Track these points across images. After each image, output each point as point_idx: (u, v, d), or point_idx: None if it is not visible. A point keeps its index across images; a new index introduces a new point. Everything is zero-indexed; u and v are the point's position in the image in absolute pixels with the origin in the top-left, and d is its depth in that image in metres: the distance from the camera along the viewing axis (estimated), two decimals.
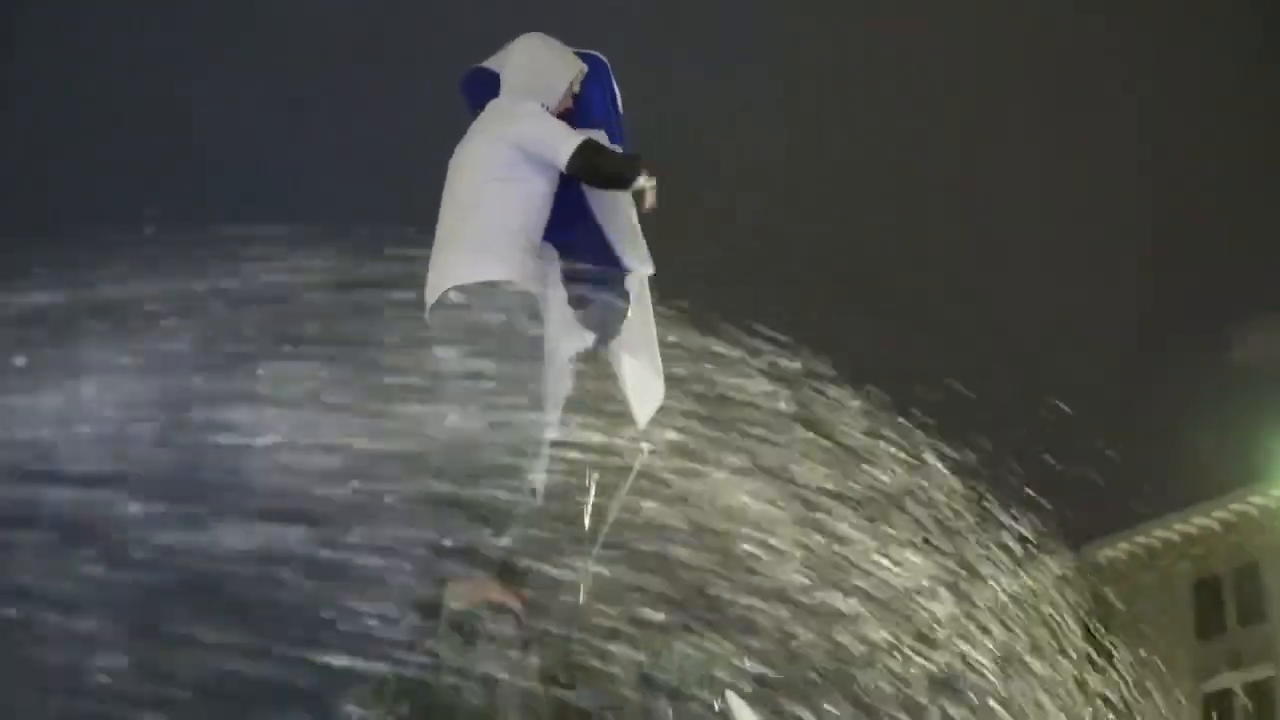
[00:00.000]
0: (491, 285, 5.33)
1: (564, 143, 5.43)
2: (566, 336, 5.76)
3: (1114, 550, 44.13)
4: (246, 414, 5.63)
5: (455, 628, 5.21)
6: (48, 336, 5.80)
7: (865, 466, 6.65)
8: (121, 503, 5.62)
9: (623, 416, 5.84)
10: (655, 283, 6.05)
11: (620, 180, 5.59)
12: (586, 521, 5.73)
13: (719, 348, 6.31)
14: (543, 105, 5.62)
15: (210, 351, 5.86)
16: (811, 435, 6.52)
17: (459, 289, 5.31)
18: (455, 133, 5.96)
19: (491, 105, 5.79)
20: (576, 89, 5.84)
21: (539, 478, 5.37)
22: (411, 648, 5.38)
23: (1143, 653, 35.28)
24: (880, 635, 6.91)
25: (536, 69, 5.76)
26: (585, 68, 5.93)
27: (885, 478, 6.77)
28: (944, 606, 7.17)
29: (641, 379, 5.89)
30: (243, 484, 5.60)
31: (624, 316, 5.81)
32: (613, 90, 6.23)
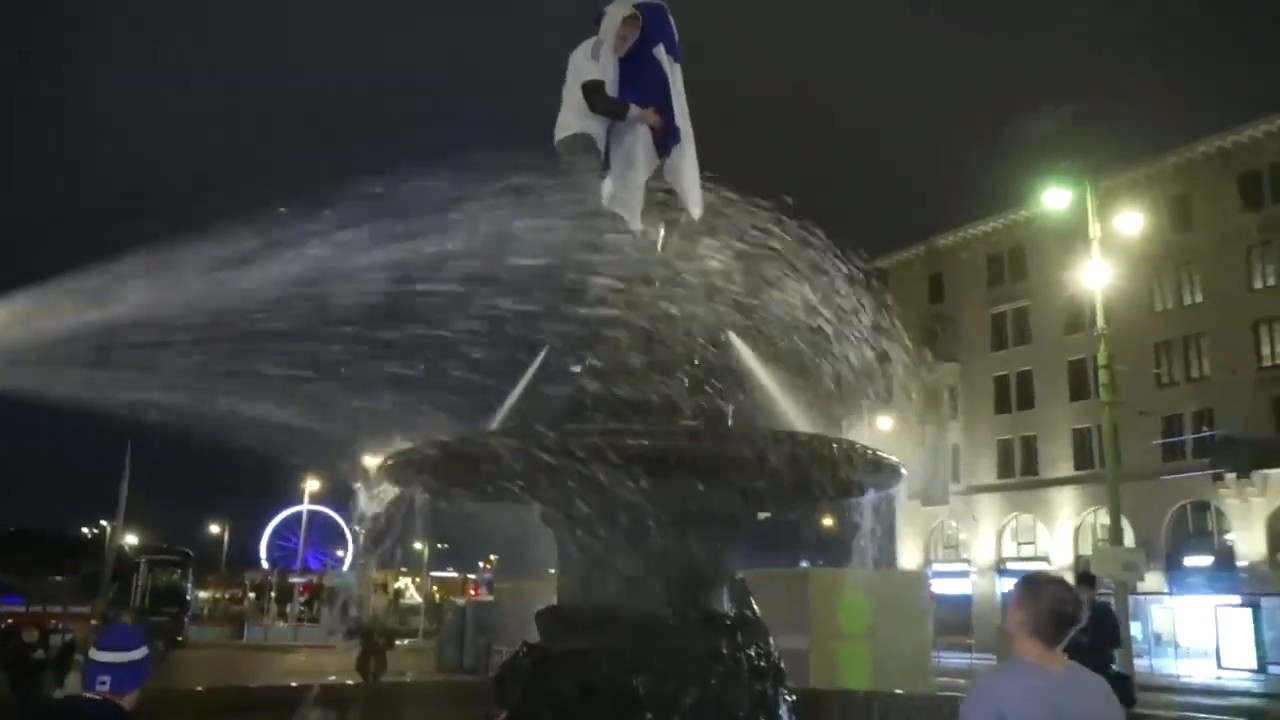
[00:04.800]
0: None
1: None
2: (646, 156, 6.64)
3: (946, 240, 58.57)
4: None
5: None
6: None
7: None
8: None
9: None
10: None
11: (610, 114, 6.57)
12: (661, 243, 7.00)
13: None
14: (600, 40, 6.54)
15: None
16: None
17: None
18: None
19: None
20: (623, 30, 6.59)
21: (637, 224, 6.61)
22: None
23: (961, 290, 52.35)
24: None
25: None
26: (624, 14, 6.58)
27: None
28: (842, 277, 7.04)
29: (693, 191, 6.78)
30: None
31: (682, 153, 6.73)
32: (669, 25, 6.88)
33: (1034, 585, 3.46)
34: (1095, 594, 12.35)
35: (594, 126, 6.67)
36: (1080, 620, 3.39)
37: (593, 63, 6.62)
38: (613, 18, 6.68)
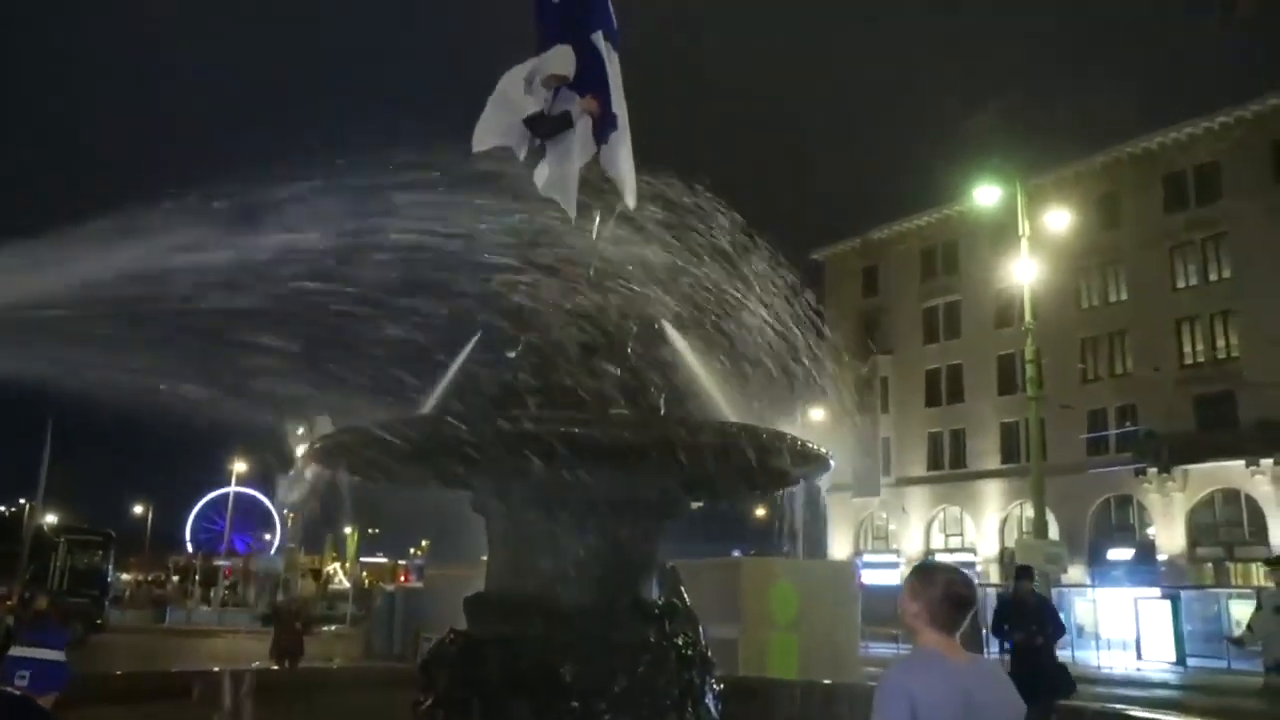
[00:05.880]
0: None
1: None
2: (583, 143, 6.61)
3: (881, 233, 59.20)
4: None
5: None
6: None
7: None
8: None
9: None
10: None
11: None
12: (596, 231, 6.95)
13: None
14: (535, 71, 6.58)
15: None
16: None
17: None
18: None
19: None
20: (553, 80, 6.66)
21: (572, 211, 6.49)
22: None
23: (895, 284, 52.73)
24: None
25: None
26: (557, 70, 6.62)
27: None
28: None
29: (628, 180, 6.79)
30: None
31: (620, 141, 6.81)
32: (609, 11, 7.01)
33: (925, 573, 3.46)
34: (1033, 585, 12.46)
35: (514, 138, 6.66)
36: (975, 601, 3.44)
37: (528, 97, 6.62)
38: (547, 64, 6.70)
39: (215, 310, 7.43)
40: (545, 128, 6.63)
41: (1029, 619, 10.97)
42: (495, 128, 6.60)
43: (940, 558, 52.97)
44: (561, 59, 6.75)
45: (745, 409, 7.16)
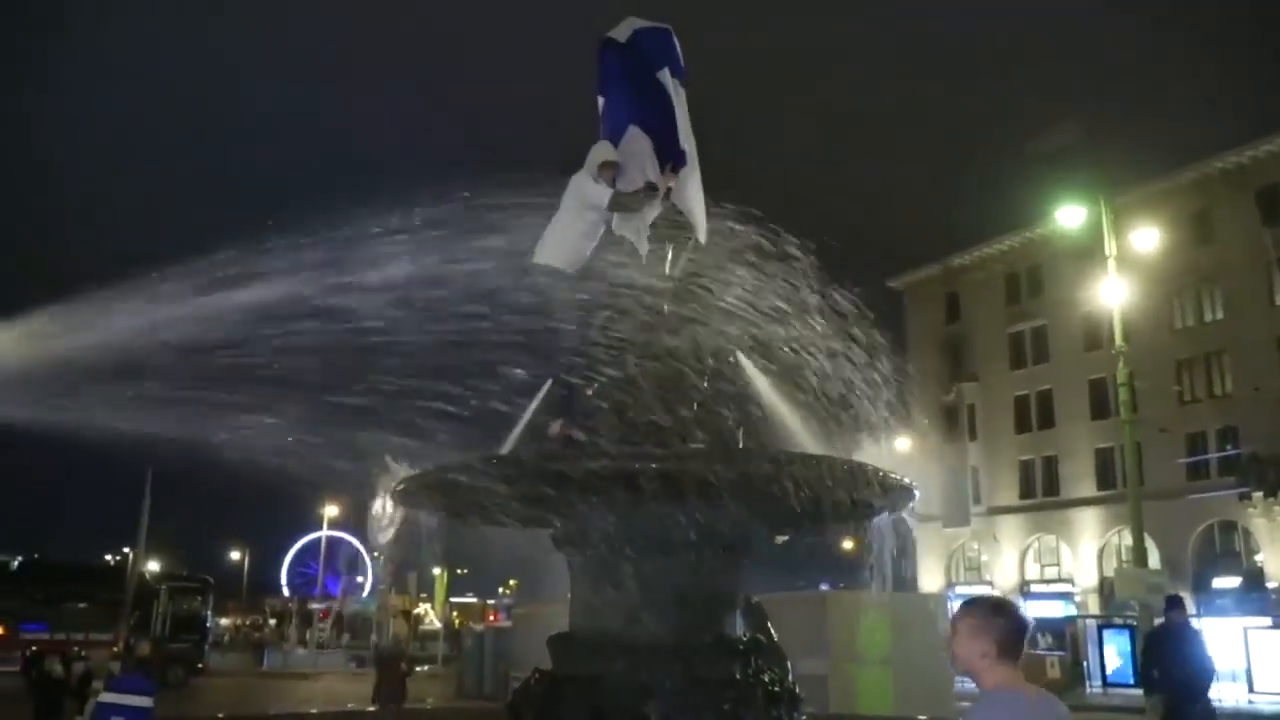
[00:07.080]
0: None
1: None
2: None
3: (963, 259, 58.14)
4: None
5: None
6: None
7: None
8: None
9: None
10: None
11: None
12: (669, 266, 6.99)
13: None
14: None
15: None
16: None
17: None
18: None
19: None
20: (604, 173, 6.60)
21: (644, 249, 6.61)
22: None
23: (978, 309, 51.71)
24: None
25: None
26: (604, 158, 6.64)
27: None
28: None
29: (698, 215, 6.83)
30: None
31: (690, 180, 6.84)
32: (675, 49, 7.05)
33: (983, 609, 3.30)
34: (1185, 615, 11.44)
35: (571, 261, 6.72)
36: (1028, 623, 3.34)
37: (598, 186, 6.67)
38: (593, 161, 6.73)
39: (303, 357, 7.64)
40: (631, 204, 6.69)
41: (1186, 656, 10.14)
42: (558, 249, 6.70)
43: (1036, 588, 51.74)
44: (603, 151, 6.82)
45: (826, 439, 7.10)
